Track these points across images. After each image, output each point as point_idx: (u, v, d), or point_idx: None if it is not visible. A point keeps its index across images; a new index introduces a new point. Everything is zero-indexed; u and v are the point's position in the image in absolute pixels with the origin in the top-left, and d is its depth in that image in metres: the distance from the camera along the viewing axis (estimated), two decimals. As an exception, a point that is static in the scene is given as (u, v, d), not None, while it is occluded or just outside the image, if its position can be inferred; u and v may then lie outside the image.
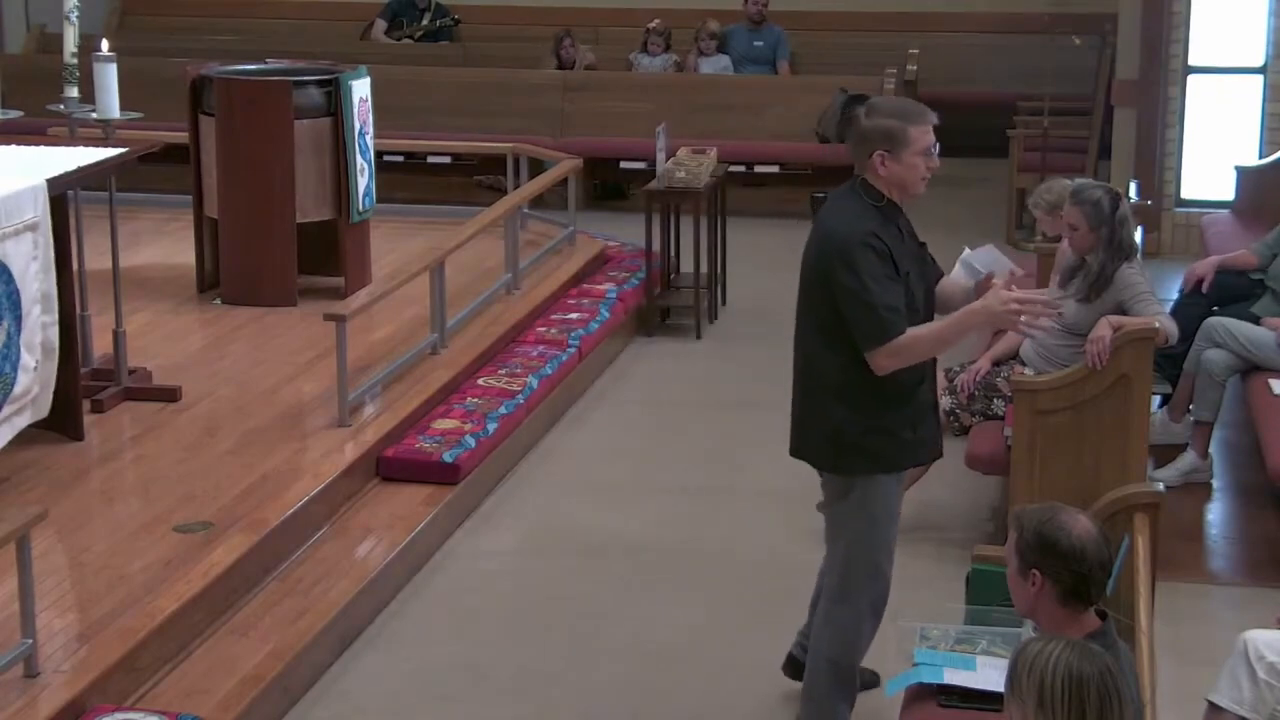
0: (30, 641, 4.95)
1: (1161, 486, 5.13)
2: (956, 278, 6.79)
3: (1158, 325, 6.09)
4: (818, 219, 5.00)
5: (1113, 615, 3.94)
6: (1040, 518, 3.86)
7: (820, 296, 4.81)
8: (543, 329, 8.75)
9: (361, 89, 8.90)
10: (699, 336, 9.46)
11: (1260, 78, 11.09)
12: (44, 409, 6.40)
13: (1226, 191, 10.47)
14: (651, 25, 13.71)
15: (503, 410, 7.52)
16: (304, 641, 5.52)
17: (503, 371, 8.03)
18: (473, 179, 12.50)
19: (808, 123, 12.48)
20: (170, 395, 7.33)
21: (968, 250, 7.79)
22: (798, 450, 5.03)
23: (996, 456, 6.45)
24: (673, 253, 9.82)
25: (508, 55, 13.88)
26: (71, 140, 7.45)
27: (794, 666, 5.44)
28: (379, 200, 9.26)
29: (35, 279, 6.21)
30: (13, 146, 6.95)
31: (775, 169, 12.33)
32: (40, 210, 6.24)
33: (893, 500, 4.98)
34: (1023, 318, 4.81)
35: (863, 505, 4.89)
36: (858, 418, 4.82)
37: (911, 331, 4.76)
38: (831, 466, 4.95)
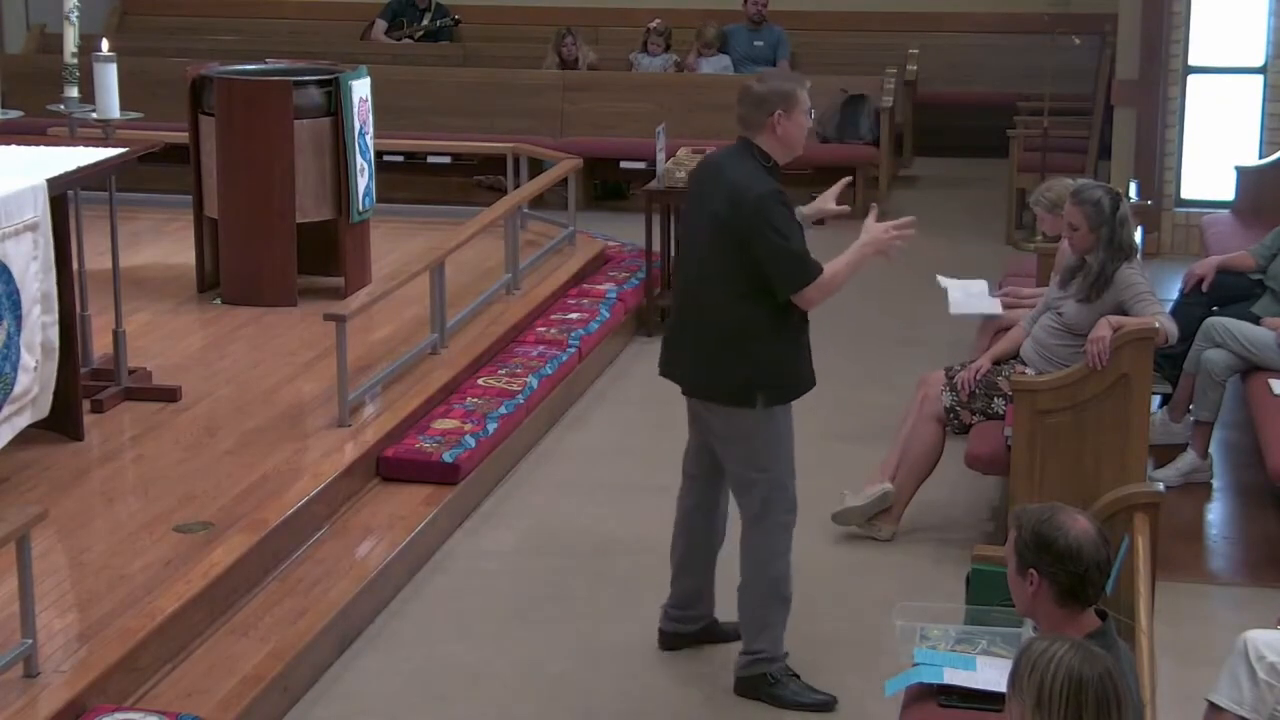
0: (30, 641, 4.95)
1: (1161, 486, 5.14)
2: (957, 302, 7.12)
3: (1158, 325, 6.10)
4: (714, 176, 5.46)
5: (1113, 615, 3.94)
6: (1039, 517, 3.86)
7: (732, 250, 5.30)
8: (543, 329, 8.75)
9: (361, 89, 8.90)
10: (699, 336, 9.44)
11: (1260, 78, 11.09)
12: (44, 409, 6.40)
13: (1226, 191, 10.47)
14: (652, 25, 13.72)
15: (503, 410, 7.52)
16: (304, 641, 5.52)
17: (503, 371, 8.03)
18: (473, 179, 12.51)
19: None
20: (170, 395, 7.33)
21: (943, 279, 7.87)
22: (696, 389, 5.52)
23: (996, 456, 6.45)
24: (673, 253, 9.81)
25: (508, 55, 13.89)
26: (71, 140, 7.45)
27: (666, 638, 5.84)
28: (379, 200, 9.26)
29: (35, 279, 6.21)
30: (13, 146, 6.95)
31: (775, 169, 12.33)
32: (40, 210, 6.24)
33: (788, 424, 5.55)
34: (898, 240, 5.58)
35: (767, 435, 5.46)
36: (763, 359, 5.36)
37: (827, 267, 5.39)
38: (736, 402, 5.41)
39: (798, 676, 5.56)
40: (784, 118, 5.40)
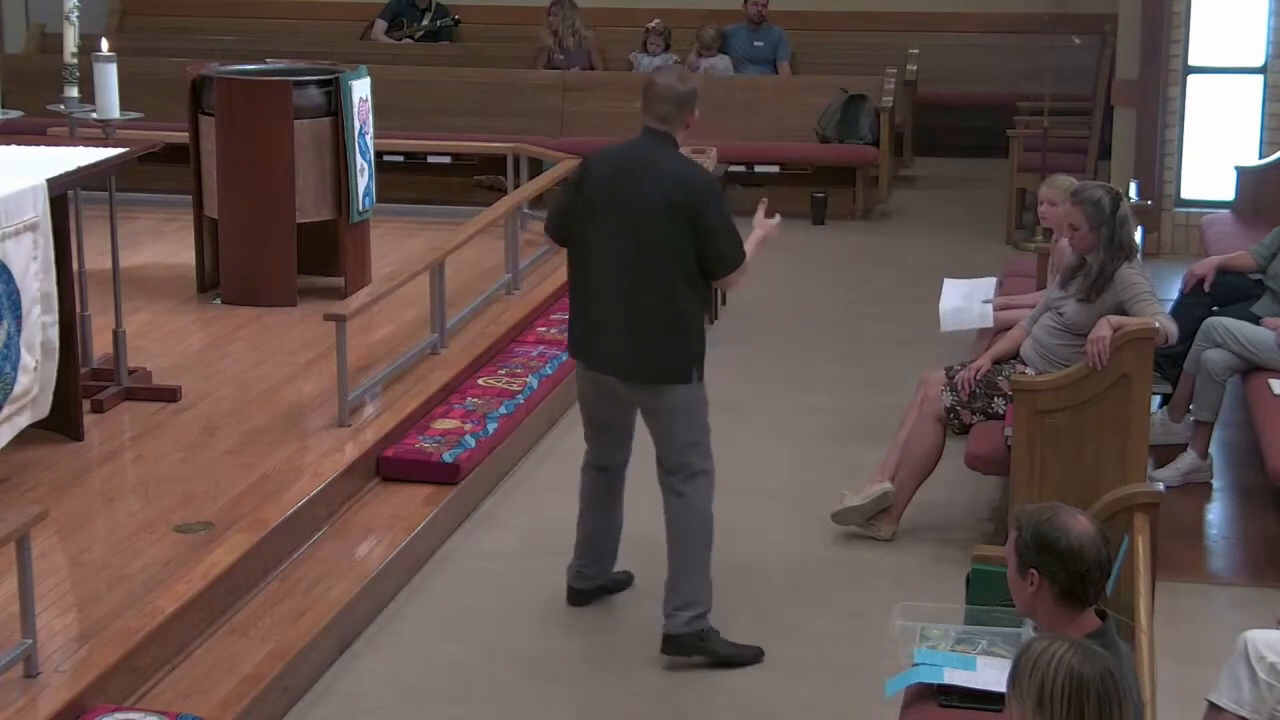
0: (30, 641, 4.95)
1: (1161, 486, 5.14)
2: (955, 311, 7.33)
3: (1158, 325, 6.10)
4: (642, 167, 5.66)
5: (1113, 615, 3.94)
6: (1039, 517, 3.86)
7: (681, 234, 5.59)
8: (543, 329, 8.75)
9: (361, 89, 8.90)
10: (699, 336, 9.43)
11: (1260, 78, 11.09)
12: (44, 409, 6.40)
13: (1226, 191, 10.47)
14: (651, 25, 13.72)
15: (503, 410, 7.52)
16: (304, 641, 5.52)
17: (503, 371, 8.03)
18: (473, 179, 12.51)
19: (808, 123, 12.49)
20: (170, 395, 7.33)
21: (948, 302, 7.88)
22: (639, 374, 5.71)
23: (996, 456, 6.45)
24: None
25: (508, 55, 13.89)
26: (71, 140, 7.45)
27: (577, 595, 6.17)
28: (379, 200, 9.26)
29: (35, 279, 6.21)
30: (13, 146, 6.95)
31: (775, 169, 12.34)
32: (40, 210, 6.24)
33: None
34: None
35: (698, 401, 5.81)
36: (696, 335, 5.76)
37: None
38: (680, 379, 5.73)
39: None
40: (694, 115, 5.76)
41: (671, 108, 5.68)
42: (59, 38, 7.90)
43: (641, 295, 5.66)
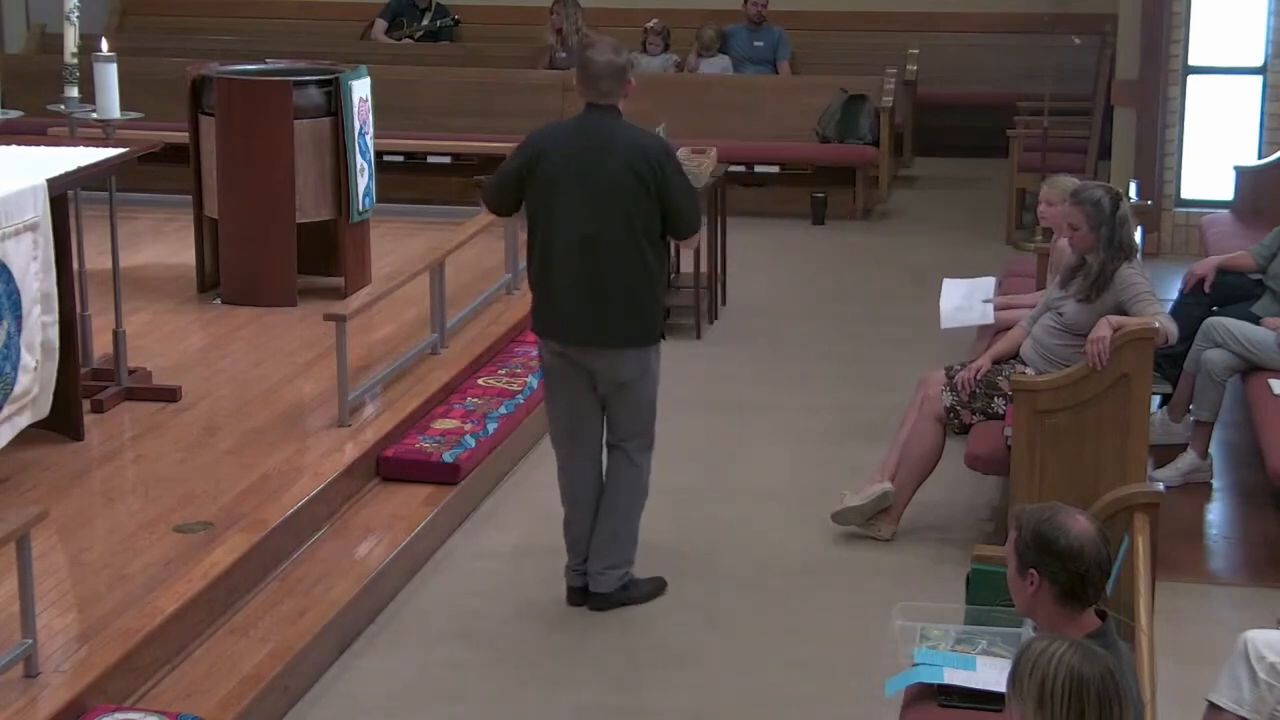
0: (30, 641, 4.95)
1: (1161, 486, 5.14)
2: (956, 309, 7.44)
3: (1158, 325, 6.10)
4: (603, 139, 5.84)
5: (1113, 615, 3.94)
6: (1039, 517, 3.86)
7: (645, 201, 5.80)
8: (543, 329, 8.74)
9: (361, 89, 8.90)
10: (699, 336, 9.46)
11: (1260, 78, 11.08)
12: (44, 409, 6.40)
13: (1226, 191, 10.47)
14: (649, 25, 13.72)
15: (503, 410, 7.52)
16: (304, 641, 5.52)
17: (503, 371, 8.03)
18: (473, 179, 12.50)
19: (808, 123, 12.49)
20: (170, 395, 7.34)
21: (949, 299, 7.89)
22: (618, 340, 5.90)
23: (996, 456, 6.45)
24: (673, 253, 9.81)
25: (508, 55, 13.89)
26: (71, 140, 7.45)
27: (576, 594, 6.19)
28: (379, 200, 9.26)
29: (35, 279, 6.21)
30: (13, 146, 6.95)
31: (775, 169, 12.34)
32: (40, 210, 6.24)
33: None
34: None
35: (656, 365, 6.06)
36: (661, 297, 6.04)
37: None
38: (651, 341, 5.98)
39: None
40: (631, 83, 5.96)
41: (613, 82, 5.88)
42: (59, 38, 7.90)
43: (614, 265, 5.83)
